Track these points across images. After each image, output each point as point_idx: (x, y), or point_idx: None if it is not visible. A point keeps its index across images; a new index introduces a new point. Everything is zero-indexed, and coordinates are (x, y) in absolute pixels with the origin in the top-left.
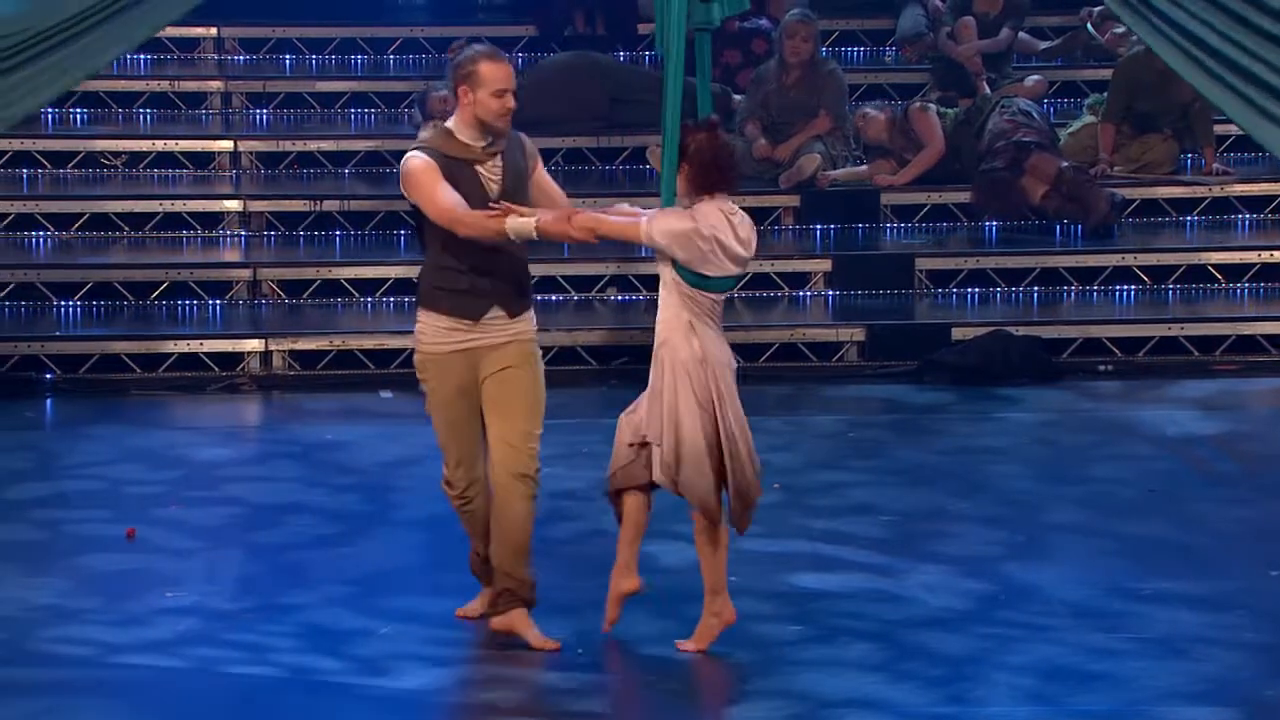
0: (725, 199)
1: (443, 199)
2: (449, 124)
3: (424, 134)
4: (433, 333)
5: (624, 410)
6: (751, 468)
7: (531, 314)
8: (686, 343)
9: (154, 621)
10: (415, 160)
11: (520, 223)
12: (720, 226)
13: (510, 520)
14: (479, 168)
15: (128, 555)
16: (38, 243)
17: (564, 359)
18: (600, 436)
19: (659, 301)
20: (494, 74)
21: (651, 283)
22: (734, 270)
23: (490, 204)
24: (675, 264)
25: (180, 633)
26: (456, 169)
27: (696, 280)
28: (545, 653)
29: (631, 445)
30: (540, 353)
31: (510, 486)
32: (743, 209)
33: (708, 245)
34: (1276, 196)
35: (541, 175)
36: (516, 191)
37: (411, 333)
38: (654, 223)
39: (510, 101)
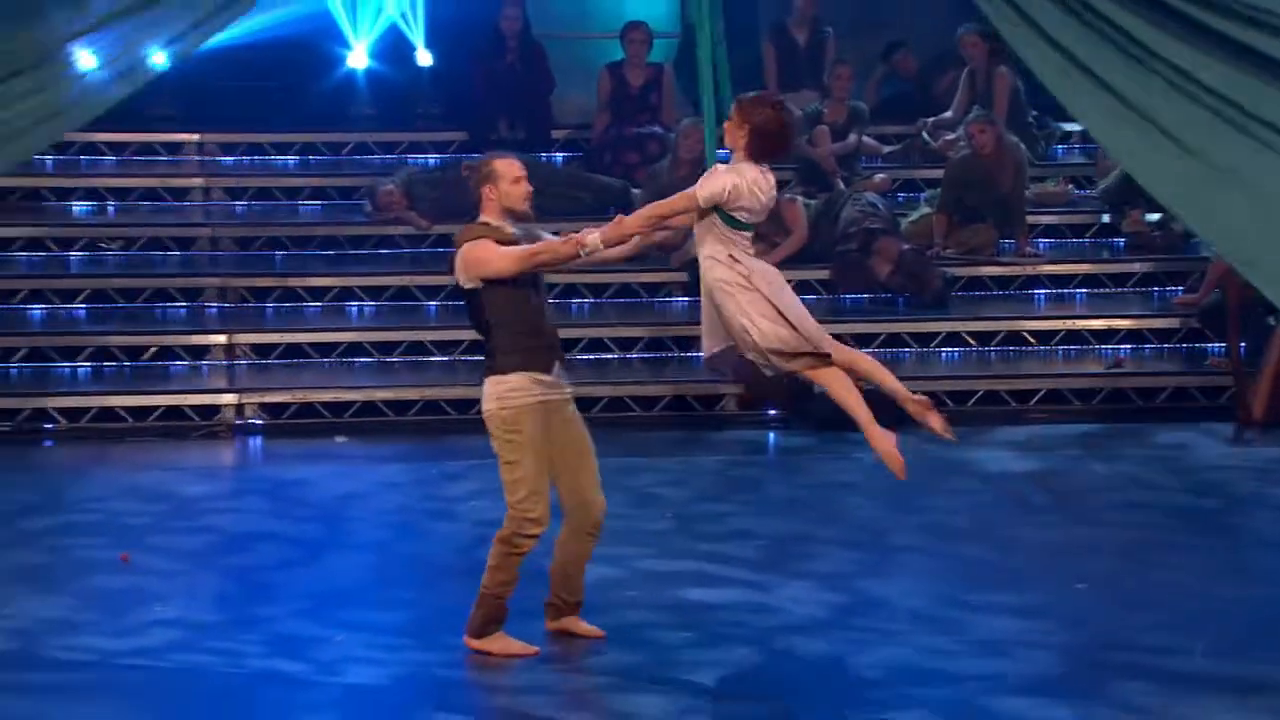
0: (767, 169)
1: (510, 251)
2: (481, 218)
3: (464, 232)
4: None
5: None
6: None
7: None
8: (730, 269)
9: (146, 631)
10: (472, 244)
11: (592, 238)
12: (759, 181)
13: None
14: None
15: (123, 576)
16: (41, 314)
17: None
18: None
19: (700, 256)
20: (508, 168)
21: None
22: (761, 215)
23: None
24: (719, 212)
25: (168, 641)
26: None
27: (734, 223)
28: (471, 654)
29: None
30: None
31: None
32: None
33: (750, 196)
34: (1076, 275)
35: None
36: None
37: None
38: (701, 189)
39: (528, 186)
